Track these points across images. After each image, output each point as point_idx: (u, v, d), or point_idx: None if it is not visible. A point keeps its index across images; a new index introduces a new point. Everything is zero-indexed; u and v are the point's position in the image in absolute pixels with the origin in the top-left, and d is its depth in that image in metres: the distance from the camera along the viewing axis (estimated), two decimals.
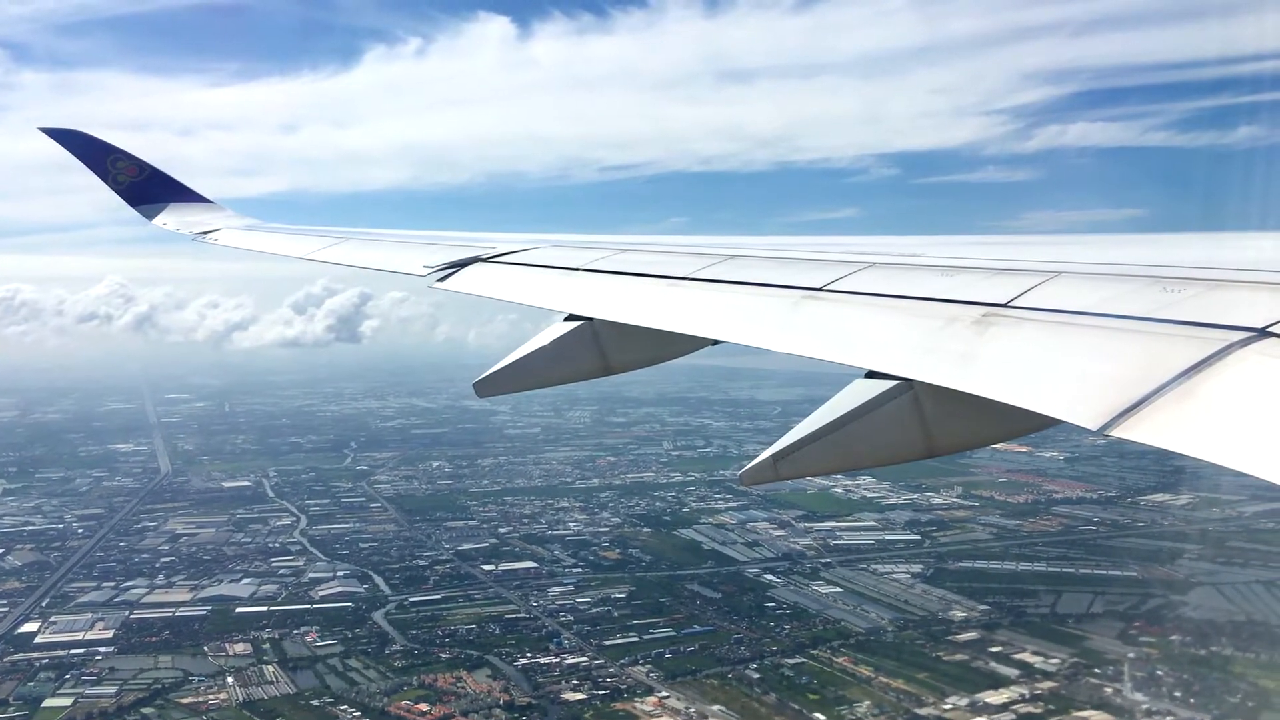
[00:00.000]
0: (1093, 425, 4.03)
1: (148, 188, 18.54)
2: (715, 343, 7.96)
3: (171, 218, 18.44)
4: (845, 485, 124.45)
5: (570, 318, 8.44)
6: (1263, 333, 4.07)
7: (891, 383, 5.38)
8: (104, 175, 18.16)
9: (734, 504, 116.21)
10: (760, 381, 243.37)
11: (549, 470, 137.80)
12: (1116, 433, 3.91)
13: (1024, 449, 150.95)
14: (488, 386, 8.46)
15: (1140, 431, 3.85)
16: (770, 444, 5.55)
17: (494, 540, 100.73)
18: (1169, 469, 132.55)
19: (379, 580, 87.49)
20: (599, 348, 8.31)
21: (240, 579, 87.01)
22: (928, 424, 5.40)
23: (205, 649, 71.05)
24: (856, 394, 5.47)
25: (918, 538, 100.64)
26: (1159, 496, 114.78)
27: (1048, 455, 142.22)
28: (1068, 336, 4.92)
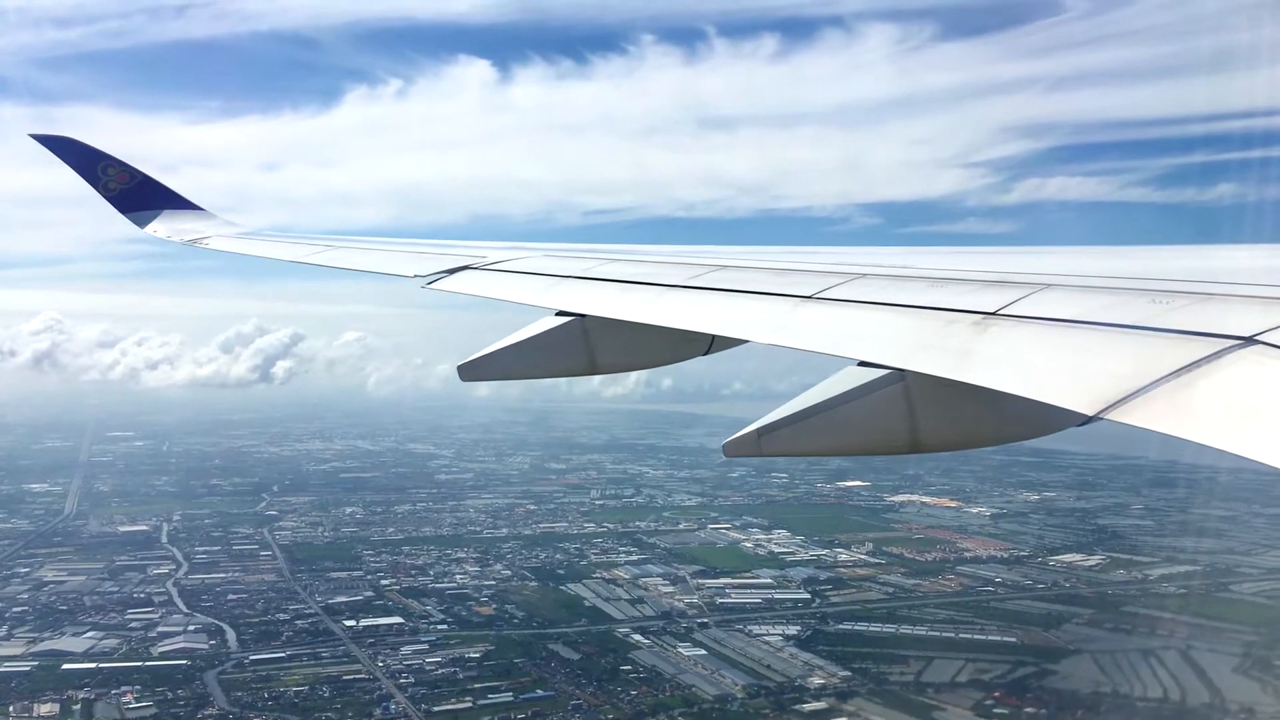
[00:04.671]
0: (1089, 411, 4.10)
1: (139, 195, 18.42)
2: (707, 351, 8.11)
3: (163, 225, 18.28)
4: (757, 539, 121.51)
5: (561, 315, 8.34)
6: (1251, 340, 4.14)
7: (884, 371, 5.40)
8: (95, 182, 18.02)
9: (635, 557, 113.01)
10: (714, 429, 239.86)
11: (462, 518, 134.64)
12: (1111, 417, 4.00)
13: (953, 503, 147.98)
14: (472, 371, 8.33)
15: (1135, 417, 3.94)
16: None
17: (370, 593, 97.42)
18: (1090, 528, 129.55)
19: (230, 635, 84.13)
20: (588, 344, 8.26)
21: (85, 631, 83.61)
22: (916, 416, 5.44)
23: (11, 710, 67.67)
24: (847, 379, 5.45)
25: (808, 597, 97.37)
26: (1070, 557, 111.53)
27: (974, 511, 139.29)
28: (1062, 337, 5.00)
